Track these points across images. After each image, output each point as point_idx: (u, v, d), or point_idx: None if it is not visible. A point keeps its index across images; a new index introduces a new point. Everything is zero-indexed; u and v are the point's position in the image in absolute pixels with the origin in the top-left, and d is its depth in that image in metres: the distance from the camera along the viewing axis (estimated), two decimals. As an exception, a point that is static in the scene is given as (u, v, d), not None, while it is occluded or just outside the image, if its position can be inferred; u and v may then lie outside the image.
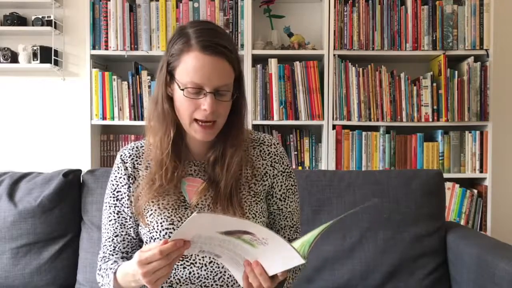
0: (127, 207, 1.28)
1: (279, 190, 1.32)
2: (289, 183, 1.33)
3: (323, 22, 2.78)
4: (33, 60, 2.90)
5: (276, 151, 1.32)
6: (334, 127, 2.75)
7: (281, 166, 1.32)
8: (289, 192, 1.33)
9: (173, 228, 1.21)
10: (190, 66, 1.14)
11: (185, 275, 1.22)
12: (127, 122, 2.83)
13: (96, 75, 2.81)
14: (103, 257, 1.30)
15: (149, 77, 2.82)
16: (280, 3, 2.95)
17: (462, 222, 2.73)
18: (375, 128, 2.80)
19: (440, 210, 1.93)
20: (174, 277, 1.22)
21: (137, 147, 1.32)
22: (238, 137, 1.24)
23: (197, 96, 1.15)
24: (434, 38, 2.76)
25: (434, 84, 2.76)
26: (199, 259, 1.22)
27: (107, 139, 2.96)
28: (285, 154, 1.34)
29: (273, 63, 2.77)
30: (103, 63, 2.97)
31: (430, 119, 2.75)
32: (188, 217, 0.97)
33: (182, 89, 1.15)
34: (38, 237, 1.87)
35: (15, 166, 2.87)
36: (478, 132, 2.77)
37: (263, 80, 2.79)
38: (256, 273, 1.05)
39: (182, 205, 1.24)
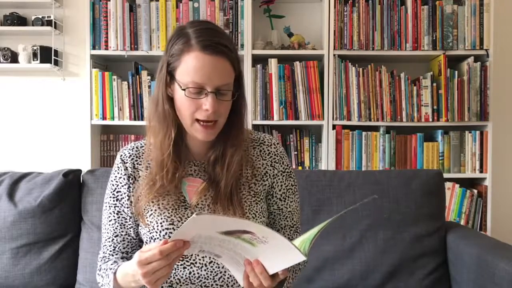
0: (127, 207, 1.28)
1: (279, 190, 1.32)
2: (289, 183, 1.33)
3: (323, 22, 2.78)
4: (33, 60, 2.90)
5: (276, 151, 1.32)
6: (334, 127, 2.75)
7: (281, 166, 1.32)
8: (289, 192, 1.33)
9: (173, 228, 1.21)
10: (190, 66, 1.14)
11: (185, 275, 1.22)
12: (127, 122, 2.83)
13: (96, 75, 2.81)
14: (103, 257, 1.30)
15: (149, 77, 2.82)
16: (280, 3, 2.95)
17: (462, 222, 2.73)
18: (375, 128, 2.80)
19: (440, 210, 1.93)
20: (174, 277, 1.22)
21: (137, 147, 1.32)
22: (238, 137, 1.24)
23: (198, 96, 1.15)
24: (434, 38, 2.76)
25: (434, 84, 2.76)
26: (199, 259, 1.22)
27: (107, 139, 2.96)
28: (285, 154, 1.34)
29: (273, 63, 2.77)
30: (103, 63, 2.97)
31: (430, 119, 2.75)
32: (188, 217, 0.97)
33: (184, 89, 1.15)
34: (38, 237, 1.87)
35: (15, 166, 2.87)
36: (478, 132, 2.77)
37: (263, 80, 2.79)
38: (257, 272, 1.05)
39: (182, 205, 1.24)
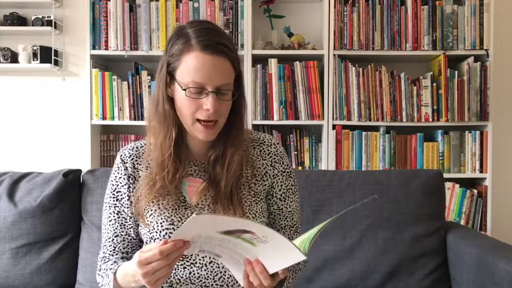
0: (127, 207, 1.28)
1: (279, 190, 1.32)
2: (289, 183, 1.33)
3: (323, 22, 2.78)
4: (33, 60, 2.90)
5: (276, 151, 1.32)
6: (334, 127, 2.75)
7: (281, 166, 1.32)
8: (289, 192, 1.33)
9: (173, 228, 1.21)
10: (191, 66, 1.14)
11: (185, 275, 1.22)
12: (127, 122, 2.83)
13: (96, 75, 2.81)
14: (103, 257, 1.30)
15: (149, 77, 2.82)
16: (280, 3, 2.95)
17: (462, 222, 2.73)
18: (375, 128, 2.80)
19: (440, 210, 1.93)
20: (174, 277, 1.22)
21: (137, 147, 1.32)
22: (238, 137, 1.24)
23: (199, 96, 1.15)
24: (434, 38, 2.76)
25: (434, 84, 2.76)
26: (199, 259, 1.22)
27: (107, 139, 2.96)
28: (285, 154, 1.34)
29: (273, 63, 2.77)
30: (103, 63, 2.97)
31: (430, 119, 2.75)
32: (188, 217, 0.97)
33: (184, 89, 1.15)
34: (38, 237, 1.87)
35: (15, 166, 2.87)
36: (478, 132, 2.77)
37: (263, 80, 2.79)
38: (257, 271, 1.05)
39: (182, 205, 1.24)
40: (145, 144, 1.31)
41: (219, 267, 1.22)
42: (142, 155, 1.30)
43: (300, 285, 1.81)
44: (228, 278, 1.23)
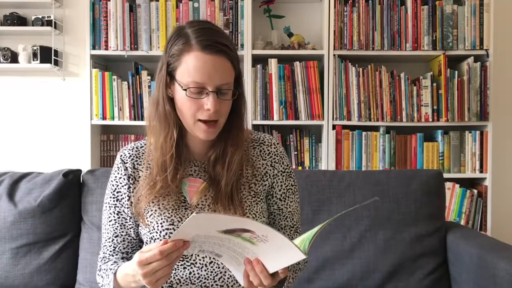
0: (127, 208, 1.28)
1: (279, 190, 1.32)
2: (289, 183, 1.33)
3: (323, 22, 2.78)
4: (33, 60, 2.90)
5: (276, 151, 1.32)
6: (334, 127, 2.75)
7: (281, 166, 1.32)
8: (289, 192, 1.33)
9: (173, 228, 1.21)
10: (191, 66, 1.14)
11: (185, 276, 1.22)
12: (127, 122, 2.83)
13: (96, 75, 2.81)
14: (103, 257, 1.30)
15: (149, 77, 2.82)
16: (280, 3, 2.95)
17: (462, 222, 2.73)
18: (375, 128, 2.80)
19: (440, 210, 1.93)
20: (174, 278, 1.22)
21: (137, 147, 1.32)
22: (238, 136, 1.24)
23: (199, 96, 1.15)
24: (434, 38, 2.76)
25: (434, 84, 2.76)
26: (199, 260, 1.22)
27: (107, 139, 2.96)
28: (285, 154, 1.34)
29: (273, 63, 2.77)
30: (103, 63, 2.97)
31: (430, 119, 2.75)
32: (188, 217, 0.97)
33: (185, 90, 1.15)
34: (38, 237, 1.87)
35: (15, 166, 2.87)
36: (478, 132, 2.77)
37: (263, 80, 2.79)
38: (257, 271, 1.05)
39: (182, 205, 1.24)
40: (145, 144, 1.31)
41: (219, 267, 1.22)
42: (142, 155, 1.29)
43: (300, 285, 1.81)
44: (228, 278, 1.23)
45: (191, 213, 1.20)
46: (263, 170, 1.29)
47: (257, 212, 1.25)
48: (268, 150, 1.31)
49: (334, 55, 2.74)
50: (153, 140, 1.24)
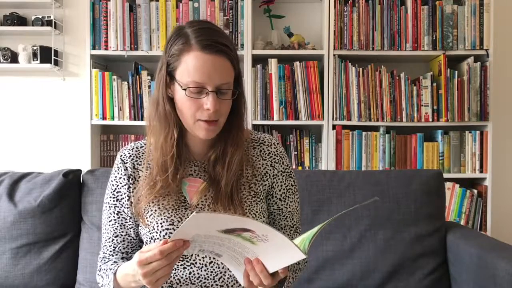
0: (127, 208, 1.28)
1: (279, 190, 1.32)
2: (289, 183, 1.33)
3: (323, 22, 2.78)
4: (33, 60, 2.90)
5: (276, 151, 1.32)
6: (334, 127, 2.75)
7: (281, 166, 1.32)
8: (289, 192, 1.33)
9: (173, 228, 1.21)
10: (191, 66, 1.14)
11: (185, 276, 1.22)
12: (127, 122, 2.83)
13: (96, 75, 2.81)
14: (103, 257, 1.30)
15: (149, 77, 2.82)
16: (280, 3, 2.95)
17: (462, 222, 2.73)
18: (375, 128, 2.80)
19: (440, 210, 1.93)
20: (174, 278, 1.22)
21: (137, 147, 1.32)
22: (238, 136, 1.24)
23: (199, 96, 1.15)
24: (434, 38, 2.76)
25: (434, 84, 2.76)
26: (199, 260, 1.22)
27: (107, 139, 2.96)
28: (285, 154, 1.34)
29: (273, 63, 2.77)
30: (103, 63, 2.97)
31: (430, 119, 2.75)
32: (188, 217, 0.97)
33: (184, 89, 1.15)
34: (38, 237, 1.87)
35: (15, 166, 2.87)
36: (478, 132, 2.77)
37: (263, 80, 2.79)
38: (257, 270, 1.05)
39: (182, 205, 1.24)
40: (145, 144, 1.31)
41: (219, 267, 1.22)
42: (142, 155, 1.29)
43: (300, 285, 1.81)
44: (228, 278, 1.23)
45: (191, 213, 1.21)
46: (263, 170, 1.29)
47: (257, 212, 1.25)
48: (268, 150, 1.31)
49: (334, 55, 2.74)
50: (153, 140, 1.24)
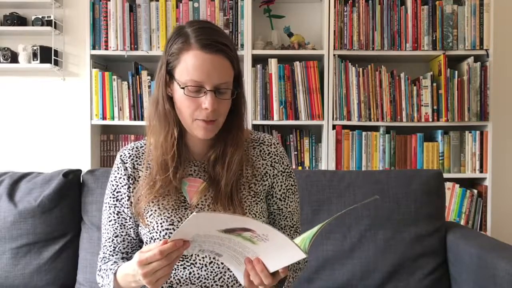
0: (127, 208, 1.28)
1: (279, 190, 1.32)
2: (289, 183, 1.33)
3: (323, 22, 2.78)
4: (33, 60, 2.90)
5: (276, 151, 1.32)
6: (334, 127, 2.75)
7: (281, 166, 1.32)
8: (289, 192, 1.33)
9: (173, 228, 1.21)
10: (190, 65, 1.14)
11: (185, 276, 1.22)
12: (127, 122, 2.83)
13: (96, 75, 2.81)
14: (103, 257, 1.30)
15: (149, 77, 2.82)
16: (280, 3, 2.95)
17: (462, 222, 2.73)
18: (375, 128, 2.80)
19: (440, 210, 1.93)
20: (174, 278, 1.22)
21: (137, 147, 1.32)
22: (238, 136, 1.24)
23: (197, 95, 1.15)
24: (434, 38, 2.76)
25: (434, 84, 2.76)
26: (199, 260, 1.22)
27: (107, 139, 2.96)
28: (285, 154, 1.34)
29: (273, 63, 2.77)
30: (103, 63, 2.97)
31: (430, 119, 2.75)
32: (188, 217, 0.97)
33: (183, 88, 1.15)
34: (38, 237, 1.87)
35: (15, 166, 2.87)
36: (478, 132, 2.77)
37: (263, 80, 2.79)
38: (257, 270, 1.05)
39: (182, 205, 1.24)
40: (145, 144, 1.30)
41: (219, 268, 1.22)
42: (142, 155, 1.29)
43: (300, 285, 1.81)
44: (228, 278, 1.23)
45: (191, 213, 1.21)
46: (263, 170, 1.29)
47: (257, 212, 1.25)
48: (268, 150, 1.31)
49: (334, 55, 2.74)
50: (153, 140, 1.24)
